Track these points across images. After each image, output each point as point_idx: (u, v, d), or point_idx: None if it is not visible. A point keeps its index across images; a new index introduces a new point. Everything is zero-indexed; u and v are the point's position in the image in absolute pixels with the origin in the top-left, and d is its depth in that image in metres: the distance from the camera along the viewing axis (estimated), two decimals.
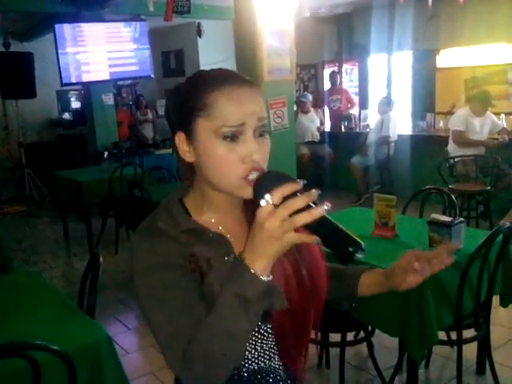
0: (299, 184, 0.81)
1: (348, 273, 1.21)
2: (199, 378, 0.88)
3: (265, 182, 0.85)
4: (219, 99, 0.92)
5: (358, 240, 0.80)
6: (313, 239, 0.81)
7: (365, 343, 2.66)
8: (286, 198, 0.79)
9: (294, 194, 0.80)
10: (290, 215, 0.78)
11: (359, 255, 0.79)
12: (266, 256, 0.83)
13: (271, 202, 0.80)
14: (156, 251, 0.93)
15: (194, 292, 0.93)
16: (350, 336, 2.76)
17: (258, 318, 0.87)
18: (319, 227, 0.79)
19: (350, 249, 0.79)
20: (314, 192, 0.79)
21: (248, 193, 0.91)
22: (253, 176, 0.92)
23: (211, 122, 0.92)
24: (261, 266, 0.83)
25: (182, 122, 0.96)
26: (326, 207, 0.78)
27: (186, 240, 0.95)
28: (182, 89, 0.98)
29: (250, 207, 1.01)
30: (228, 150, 0.92)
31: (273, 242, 0.81)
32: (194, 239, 0.96)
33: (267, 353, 1.04)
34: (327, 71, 8.95)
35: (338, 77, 8.33)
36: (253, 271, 0.83)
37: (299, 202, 0.78)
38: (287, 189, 0.80)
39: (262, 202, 0.80)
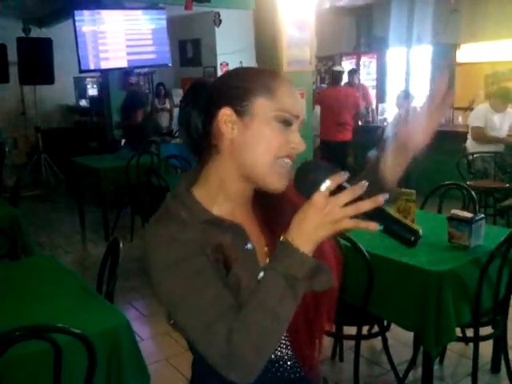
0: (345, 175, 0.85)
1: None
2: (245, 363, 0.86)
3: (310, 169, 0.88)
4: (282, 87, 0.98)
5: (415, 228, 0.84)
6: (372, 226, 0.82)
7: (379, 337, 2.66)
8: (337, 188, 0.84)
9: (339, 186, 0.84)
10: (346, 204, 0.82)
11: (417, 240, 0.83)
12: (315, 239, 0.86)
13: (330, 189, 0.83)
14: (180, 240, 0.91)
15: (221, 281, 0.92)
16: (364, 330, 2.75)
17: (300, 298, 0.88)
18: (375, 216, 0.83)
19: (412, 238, 0.83)
20: (365, 183, 0.83)
21: (281, 184, 0.97)
22: (284, 167, 0.98)
23: (273, 103, 0.96)
24: (308, 248, 0.86)
25: (234, 98, 0.97)
26: (384, 197, 0.81)
27: (205, 230, 0.95)
28: (238, 71, 1.03)
29: (259, 201, 1.05)
30: (280, 131, 0.97)
31: (326, 226, 0.84)
32: (213, 229, 0.96)
33: (283, 341, 1.04)
34: (345, 63, 8.87)
35: (357, 75, 8.09)
36: (302, 252, 0.85)
37: (358, 190, 0.82)
38: (340, 178, 0.84)
39: (323, 187, 0.83)
